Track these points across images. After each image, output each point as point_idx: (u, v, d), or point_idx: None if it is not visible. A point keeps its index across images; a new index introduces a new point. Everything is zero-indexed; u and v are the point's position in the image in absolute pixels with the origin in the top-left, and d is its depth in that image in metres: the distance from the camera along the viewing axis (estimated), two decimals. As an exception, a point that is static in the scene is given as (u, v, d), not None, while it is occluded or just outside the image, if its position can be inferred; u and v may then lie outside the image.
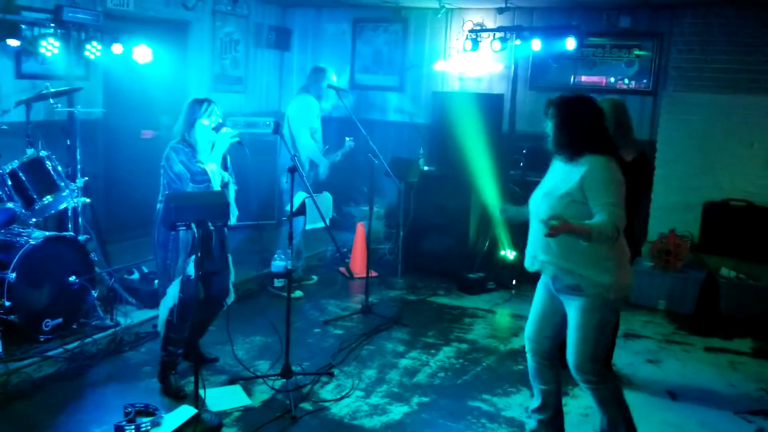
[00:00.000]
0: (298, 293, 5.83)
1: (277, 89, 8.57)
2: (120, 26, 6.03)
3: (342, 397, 4.09)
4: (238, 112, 7.72)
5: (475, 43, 6.94)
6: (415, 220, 6.60)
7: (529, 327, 3.53)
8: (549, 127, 3.27)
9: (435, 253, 6.50)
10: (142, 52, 5.80)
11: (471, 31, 7.04)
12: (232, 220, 4.02)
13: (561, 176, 3.22)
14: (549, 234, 2.89)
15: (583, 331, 3.18)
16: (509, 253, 6.32)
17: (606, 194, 3.05)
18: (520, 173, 6.82)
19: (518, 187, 6.73)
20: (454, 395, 4.21)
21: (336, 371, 4.43)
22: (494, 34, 6.73)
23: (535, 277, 3.51)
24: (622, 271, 3.20)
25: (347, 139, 5.87)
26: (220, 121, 4.01)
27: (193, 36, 7.33)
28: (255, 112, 8.01)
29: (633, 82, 6.97)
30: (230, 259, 4.25)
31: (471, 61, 7.40)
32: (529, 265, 3.37)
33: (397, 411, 3.98)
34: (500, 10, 7.11)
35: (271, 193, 7.41)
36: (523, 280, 6.38)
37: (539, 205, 3.28)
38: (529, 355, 3.55)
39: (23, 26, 5.27)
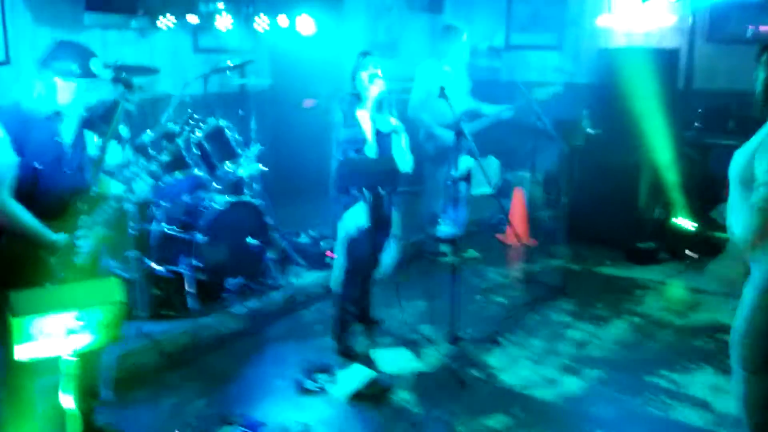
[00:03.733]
0: (473, 253, 5.83)
1: (430, 53, 8.47)
2: (283, -1, 6.21)
3: (511, 366, 4.03)
4: (391, 78, 7.74)
5: (647, -6, 6.44)
6: (579, 186, 6.29)
7: None
8: (762, 78, 2.71)
9: (600, 220, 6.14)
10: (306, 23, 5.97)
11: (643, -19, 6.53)
12: (407, 168, 4.04)
13: None
14: None
15: None
16: (685, 222, 5.85)
17: None
18: (696, 134, 6.28)
19: (693, 149, 6.22)
20: (630, 370, 4.01)
21: (502, 339, 4.36)
22: (669, -17, 6.20)
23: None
24: None
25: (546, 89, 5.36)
26: (377, 72, 4.01)
27: (349, 5, 7.41)
28: (407, 77, 8.00)
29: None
30: (396, 216, 4.29)
31: (639, 14, 6.87)
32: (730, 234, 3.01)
33: (570, 383, 3.86)
34: (677, -44, 6.53)
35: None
36: (702, 251, 5.88)
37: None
38: None
39: (199, 2, 5.58)
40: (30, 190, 2.80)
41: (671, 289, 5.35)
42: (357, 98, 4.02)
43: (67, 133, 2.91)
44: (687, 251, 5.82)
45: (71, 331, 2.21)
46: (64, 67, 2.77)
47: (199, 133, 4.66)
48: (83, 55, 2.82)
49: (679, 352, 4.24)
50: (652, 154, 5.90)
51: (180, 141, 4.52)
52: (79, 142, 2.97)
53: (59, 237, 2.83)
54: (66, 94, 2.81)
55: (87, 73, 2.80)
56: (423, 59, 8.33)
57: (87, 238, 2.91)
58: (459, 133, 4.22)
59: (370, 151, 3.98)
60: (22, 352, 2.15)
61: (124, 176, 3.07)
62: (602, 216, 6.12)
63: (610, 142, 6.18)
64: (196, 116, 4.70)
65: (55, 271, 2.82)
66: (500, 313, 4.78)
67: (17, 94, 2.87)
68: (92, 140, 3.02)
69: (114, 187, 3.04)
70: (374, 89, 4.00)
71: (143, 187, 3.00)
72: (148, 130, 4.61)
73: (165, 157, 3.03)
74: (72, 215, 2.89)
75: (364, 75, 4.01)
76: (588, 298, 5.07)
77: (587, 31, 7.40)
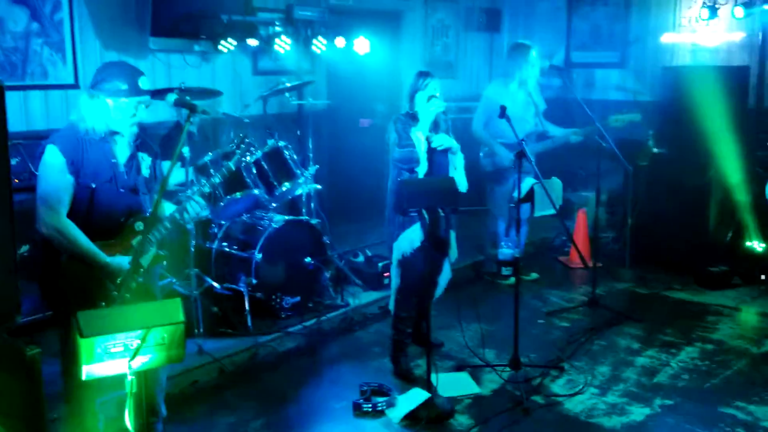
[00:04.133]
0: (534, 275, 5.76)
1: (487, 72, 8.40)
2: (340, 20, 6.27)
3: (575, 393, 3.87)
4: (449, 97, 7.68)
5: (713, 10, 6.23)
6: (645, 207, 6.07)
7: None
8: None
9: (668, 242, 5.90)
10: (362, 44, 6.00)
11: (708, -4, 6.31)
12: (463, 189, 3.97)
13: None
14: None
15: None
16: (757, 245, 5.57)
17: None
18: (769, 154, 5.99)
19: (766, 170, 5.93)
20: (702, 400, 3.80)
21: (566, 365, 4.21)
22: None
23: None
24: None
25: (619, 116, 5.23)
26: (435, 94, 3.97)
27: (405, 25, 7.44)
28: (465, 96, 7.94)
29: None
30: (453, 237, 4.21)
31: (705, 31, 6.64)
32: None
33: (638, 412, 3.68)
34: (745, -30, 6.28)
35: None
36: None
37: None
38: None
39: (259, 26, 5.68)
40: (86, 209, 2.86)
41: (745, 316, 5.08)
42: (412, 118, 3.98)
43: (121, 154, 2.97)
44: (761, 275, 5.53)
45: (135, 351, 2.21)
46: (114, 88, 2.83)
47: (256, 154, 4.69)
48: (131, 74, 2.88)
49: (755, 381, 4.01)
50: (722, 175, 5.66)
51: (238, 162, 4.55)
52: (134, 163, 3.02)
53: (113, 260, 2.86)
54: (118, 114, 2.87)
55: (136, 91, 2.86)
56: (481, 79, 8.28)
57: (141, 258, 2.94)
58: (521, 154, 4.12)
59: (423, 170, 3.93)
60: (88, 372, 2.17)
61: (178, 198, 3.10)
62: (670, 238, 5.89)
63: (677, 162, 5.95)
64: (247, 139, 4.73)
65: (115, 291, 2.85)
66: (564, 338, 4.62)
67: (75, 116, 2.95)
68: (146, 161, 3.07)
69: (169, 209, 3.08)
70: (431, 111, 3.95)
71: (196, 209, 3.02)
72: (209, 152, 4.67)
73: (220, 179, 3.08)
74: (127, 235, 2.94)
75: (422, 96, 3.97)
76: (656, 324, 4.85)
77: (651, 49, 7.19)
